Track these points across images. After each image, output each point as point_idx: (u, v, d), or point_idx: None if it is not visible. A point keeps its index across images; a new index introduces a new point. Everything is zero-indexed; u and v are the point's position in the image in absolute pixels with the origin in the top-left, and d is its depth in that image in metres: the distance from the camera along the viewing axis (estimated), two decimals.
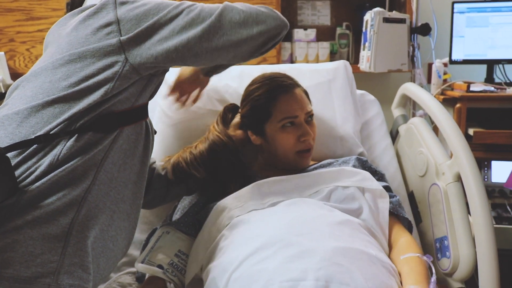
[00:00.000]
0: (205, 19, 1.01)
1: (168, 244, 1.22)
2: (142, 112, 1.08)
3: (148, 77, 1.07)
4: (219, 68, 1.28)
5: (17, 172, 0.90)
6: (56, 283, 0.87)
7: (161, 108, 1.59)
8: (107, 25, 1.02)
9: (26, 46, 2.74)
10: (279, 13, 1.09)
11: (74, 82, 0.98)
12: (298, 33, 2.85)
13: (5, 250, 0.85)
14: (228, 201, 1.21)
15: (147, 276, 1.23)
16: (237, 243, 1.07)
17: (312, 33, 2.85)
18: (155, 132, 1.17)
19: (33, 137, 0.93)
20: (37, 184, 0.90)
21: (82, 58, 1.00)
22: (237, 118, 1.44)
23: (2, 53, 2.51)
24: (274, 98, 1.31)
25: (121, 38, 1.00)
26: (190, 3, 1.06)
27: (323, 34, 2.99)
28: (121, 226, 1.03)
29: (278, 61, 2.76)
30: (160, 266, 1.18)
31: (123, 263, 1.40)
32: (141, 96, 1.07)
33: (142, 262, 1.19)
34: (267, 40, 1.06)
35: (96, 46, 1.00)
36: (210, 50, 1.02)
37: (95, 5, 1.08)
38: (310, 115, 1.35)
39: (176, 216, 1.33)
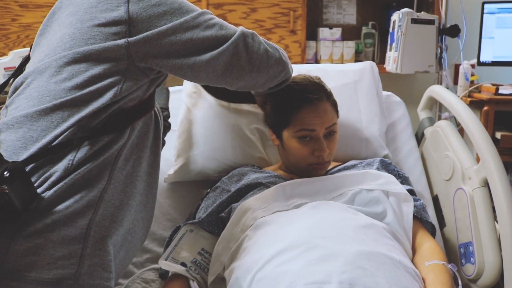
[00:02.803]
0: (217, 46, 1.00)
1: (192, 242, 1.24)
2: (150, 103, 1.06)
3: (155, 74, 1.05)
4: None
5: (33, 178, 0.90)
6: (78, 284, 0.89)
7: (186, 106, 1.60)
8: (116, 23, 0.96)
9: None
10: (286, 63, 1.14)
11: (80, 83, 0.95)
12: (324, 32, 2.83)
13: (27, 254, 0.87)
14: (252, 202, 1.22)
15: (170, 273, 1.24)
16: (261, 244, 1.08)
17: (337, 32, 2.83)
18: (169, 117, 1.17)
19: (48, 147, 0.91)
20: (54, 188, 0.90)
21: (87, 57, 0.95)
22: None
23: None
24: (296, 107, 1.26)
25: (129, 39, 0.96)
26: (209, 17, 1.03)
27: (349, 33, 2.97)
28: (138, 218, 1.04)
29: (303, 60, 2.75)
30: (183, 264, 1.19)
31: (147, 259, 1.41)
32: (149, 89, 1.05)
33: (166, 259, 1.20)
34: (264, 84, 1.13)
35: (102, 46, 0.95)
36: (211, 77, 1.04)
37: None
38: (330, 130, 1.29)
39: (199, 214, 1.34)
